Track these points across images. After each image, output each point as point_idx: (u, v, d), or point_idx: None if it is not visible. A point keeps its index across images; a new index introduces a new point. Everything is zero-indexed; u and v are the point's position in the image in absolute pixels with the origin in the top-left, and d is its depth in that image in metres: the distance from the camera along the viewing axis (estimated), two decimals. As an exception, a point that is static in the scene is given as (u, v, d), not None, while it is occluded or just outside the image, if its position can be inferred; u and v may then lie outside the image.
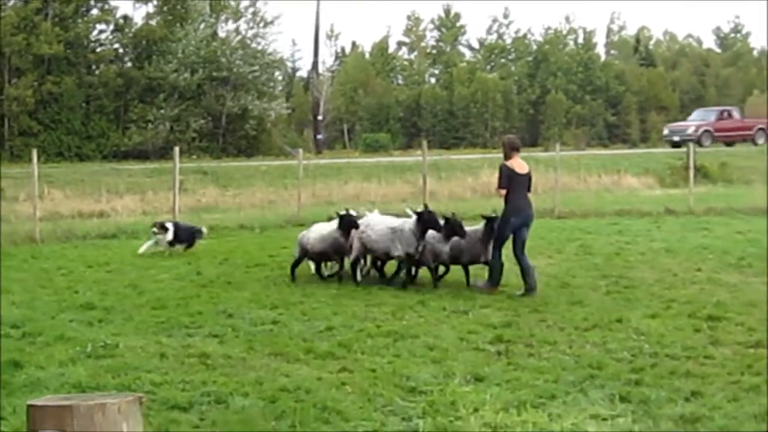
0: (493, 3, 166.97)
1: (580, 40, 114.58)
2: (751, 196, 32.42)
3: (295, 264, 18.16)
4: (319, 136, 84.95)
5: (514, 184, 16.40)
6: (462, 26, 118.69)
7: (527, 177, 16.68)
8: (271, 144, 73.54)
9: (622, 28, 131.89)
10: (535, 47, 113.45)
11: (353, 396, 9.98)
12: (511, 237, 16.46)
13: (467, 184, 42.88)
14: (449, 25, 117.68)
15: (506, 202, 16.45)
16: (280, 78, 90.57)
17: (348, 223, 17.23)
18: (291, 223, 28.46)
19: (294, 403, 9.65)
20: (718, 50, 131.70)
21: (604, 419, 9.13)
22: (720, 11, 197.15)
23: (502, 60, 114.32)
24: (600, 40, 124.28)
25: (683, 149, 43.66)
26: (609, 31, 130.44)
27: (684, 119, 69.50)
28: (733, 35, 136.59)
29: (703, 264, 19.40)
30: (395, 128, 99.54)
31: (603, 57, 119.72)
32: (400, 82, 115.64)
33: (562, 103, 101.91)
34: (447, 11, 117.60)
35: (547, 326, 13.62)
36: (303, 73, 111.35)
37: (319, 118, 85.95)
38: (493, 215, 16.71)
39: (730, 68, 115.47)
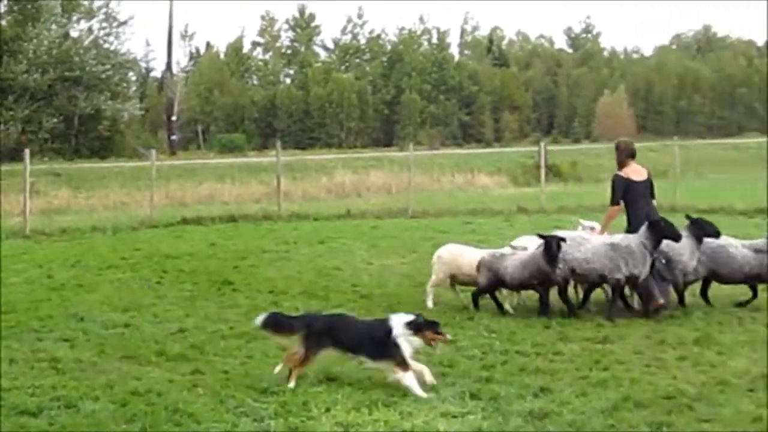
0: (348, 3, 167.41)
1: (434, 41, 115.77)
2: (600, 194, 33.04)
3: (483, 292, 15.01)
4: (174, 137, 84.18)
5: (631, 195, 14.80)
6: (317, 26, 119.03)
7: (648, 183, 14.98)
8: (125, 145, 72.65)
9: (475, 28, 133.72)
10: (389, 47, 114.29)
11: (205, 398, 9.89)
12: None
13: (322, 185, 42.99)
14: (304, 26, 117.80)
15: (628, 215, 14.88)
16: (133, 78, 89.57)
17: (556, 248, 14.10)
18: (144, 225, 28.15)
19: (145, 406, 9.53)
20: (570, 50, 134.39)
21: (455, 417, 9.21)
22: (571, 11, 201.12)
23: (357, 60, 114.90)
24: (454, 40, 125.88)
25: (535, 148, 44.34)
26: (462, 31, 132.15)
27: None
28: (584, 35, 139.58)
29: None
30: (250, 129, 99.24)
31: (457, 57, 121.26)
32: (255, 82, 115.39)
33: (417, 103, 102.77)
34: (301, 11, 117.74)
35: (400, 325, 13.69)
36: (157, 73, 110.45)
37: (173, 118, 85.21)
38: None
39: (581, 68, 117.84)
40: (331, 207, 33.47)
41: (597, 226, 15.49)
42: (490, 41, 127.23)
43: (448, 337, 10.71)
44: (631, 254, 13.87)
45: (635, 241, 13.94)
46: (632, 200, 14.69)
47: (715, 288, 15.22)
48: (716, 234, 14.45)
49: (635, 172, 14.84)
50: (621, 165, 14.94)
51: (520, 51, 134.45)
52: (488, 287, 14.72)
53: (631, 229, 14.43)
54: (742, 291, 15.02)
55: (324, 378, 10.56)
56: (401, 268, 19.33)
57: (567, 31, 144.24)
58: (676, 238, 13.96)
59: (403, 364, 10.01)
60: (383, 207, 32.60)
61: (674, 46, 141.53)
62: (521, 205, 31.59)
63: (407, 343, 10.10)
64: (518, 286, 14.76)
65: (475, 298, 14.92)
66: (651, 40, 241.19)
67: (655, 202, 15.00)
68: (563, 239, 14.15)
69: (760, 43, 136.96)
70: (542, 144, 36.89)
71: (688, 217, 14.73)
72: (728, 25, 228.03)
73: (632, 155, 14.99)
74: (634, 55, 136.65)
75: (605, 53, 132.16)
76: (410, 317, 10.34)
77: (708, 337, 12.39)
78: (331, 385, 10.31)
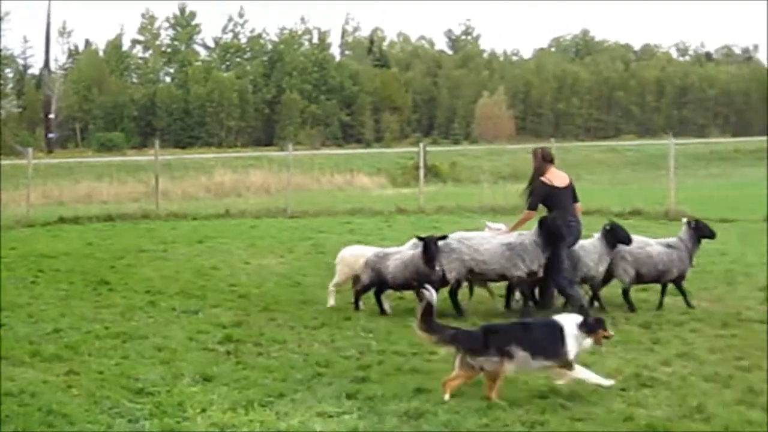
0: (228, 2, 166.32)
1: (315, 41, 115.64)
2: (479, 195, 33.40)
3: (364, 291, 15.04)
4: (51, 135, 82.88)
5: (553, 201, 14.50)
6: (197, 25, 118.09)
7: (567, 189, 14.71)
8: (2, 142, 71.21)
9: (356, 29, 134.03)
10: (270, 47, 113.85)
11: (79, 399, 9.74)
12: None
13: (201, 184, 42.69)
14: (184, 24, 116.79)
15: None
16: (10, 75, 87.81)
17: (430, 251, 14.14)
18: (20, 224, 27.66)
19: (18, 407, 9.34)
20: (450, 52, 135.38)
21: (331, 416, 9.20)
22: (451, 13, 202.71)
23: (238, 59, 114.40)
24: (335, 40, 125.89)
25: (415, 149, 44.54)
26: (343, 31, 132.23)
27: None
28: (464, 37, 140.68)
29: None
30: (130, 127, 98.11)
31: (338, 57, 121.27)
32: (135, 80, 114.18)
33: (297, 103, 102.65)
34: (182, 10, 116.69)
35: (277, 325, 13.65)
36: (35, 70, 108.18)
37: (51, 116, 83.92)
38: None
39: (461, 69, 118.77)
40: (210, 206, 33.25)
41: (504, 227, 15.41)
42: (371, 42, 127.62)
43: (611, 333, 10.59)
44: (526, 251, 14.06)
45: (529, 238, 14.11)
46: (555, 205, 14.43)
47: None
48: (628, 240, 14.61)
49: (557, 177, 14.61)
50: (540, 171, 14.59)
51: (400, 52, 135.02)
52: (370, 286, 14.74)
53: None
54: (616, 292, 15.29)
55: (200, 378, 10.48)
56: (279, 268, 19.28)
57: (447, 32, 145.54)
58: (561, 237, 14.04)
59: (569, 365, 9.97)
60: (262, 207, 32.47)
61: (553, 49, 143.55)
62: (400, 205, 31.71)
63: (576, 343, 10.04)
64: (400, 286, 14.80)
65: (356, 297, 14.91)
66: (530, 42, 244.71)
67: (579, 205, 14.83)
68: (442, 238, 14.31)
69: (637, 47, 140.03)
70: (422, 145, 37.06)
71: (608, 223, 14.87)
72: (606, 29, 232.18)
73: (551, 160, 14.72)
74: (514, 58, 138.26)
75: (485, 55, 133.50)
76: (580, 318, 10.28)
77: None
78: (207, 385, 10.24)
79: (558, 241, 14.07)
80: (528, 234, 14.28)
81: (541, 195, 14.48)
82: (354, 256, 15.48)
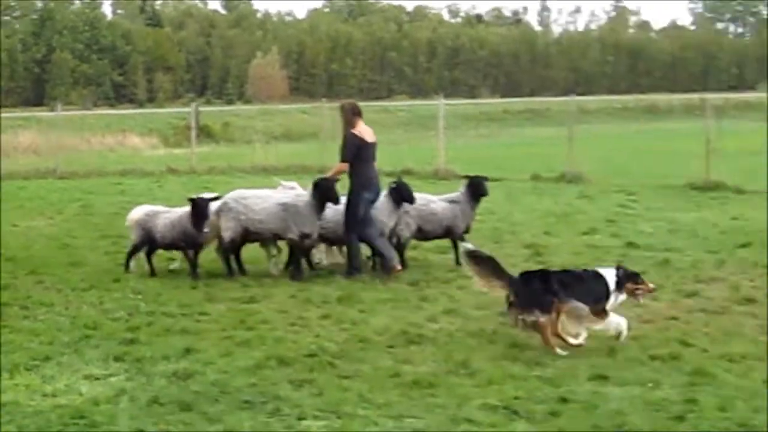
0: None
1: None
2: (251, 155, 33.32)
3: (134, 251, 14.77)
4: None
5: (362, 155, 14.28)
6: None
7: (374, 145, 14.61)
8: None
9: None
10: (40, 5, 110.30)
11: None
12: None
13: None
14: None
15: (354, 175, 14.32)
16: None
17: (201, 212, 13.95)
18: None
19: None
20: (224, 12, 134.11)
21: (98, 379, 9.07)
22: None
23: (6, 18, 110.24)
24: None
25: (188, 109, 43.99)
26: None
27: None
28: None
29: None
30: None
31: (110, 16, 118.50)
32: None
33: (68, 62, 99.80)
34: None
35: (44, 288, 13.37)
36: None
37: None
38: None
39: (235, 30, 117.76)
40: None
41: (297, 186, 15.46)
42: (143, 1, 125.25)
43: (651, 285, 10.55)
44: (299, 214, 13.95)
45: (304, 200, 14.04)
46: (361, 161, 14.26)
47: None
48: (411, 199, 14.64)
49: (366, 132, 14.44)
50: (350, 124, 14.35)
51: (173, 11, 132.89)
52: (141, 246, 14.51)
53: (357, 188, 14.23)
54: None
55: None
56: (48, 230, 18.85)
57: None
58: (334, 201, 14.11)
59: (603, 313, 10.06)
60: (31, 168, 31.61)
61: (327, 10, 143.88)
62: (172, 166, 31.39)
63: (614, 295, 10.14)
64: (169, 246, 14.58)
65: (128, 258, 14.67)
66: (304, 3, 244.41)
67: (375, 164, 14.68)
68: (213, 199, 14.19)
69: (410, 8, 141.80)
70: (194, 105, 36.72)
71: (394, 181, 14.83)
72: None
73: (359, 114, 14.48)
74: (287, 18, 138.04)
75: (258, 15, 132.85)
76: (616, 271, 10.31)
77: (351, 295, 12.68)
78: (-32, 351, 9.93)
79: (331, 204, 14.15)
80: (304, 195, 14.26)
81: (354, 147, 14.24)
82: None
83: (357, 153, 14.24)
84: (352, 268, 14.21)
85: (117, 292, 13.01)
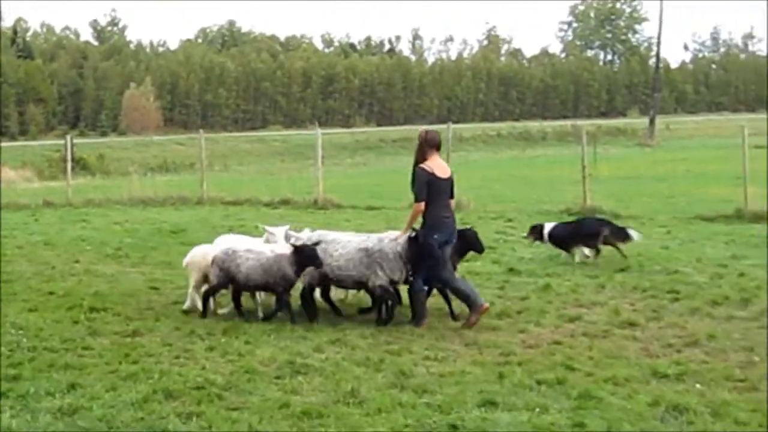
0: None
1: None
2: (128, 187, 32.91)
3: (214, 292, 13.77)
4: None
5: (433, 192, 12.88)
6: None
7: (448, 181, 13.16)
8: None
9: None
10: None
11: None
12: None
13: None
14: None
15: (424, 215, 12.96)
16: None
17: (308, 258, 12.95)
18: None
19: None
20: (96, 43, 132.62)
21: (-18, 417, 8.87)
22: (96, 5, 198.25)
23: None
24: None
25: (62, 141, 43.34)
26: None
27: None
28: (110, 28, 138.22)
29: (81, 255, 19.47)
30: None
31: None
32: None
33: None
34: None
35: None
36: None
37: None
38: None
39: (108, 61, 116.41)
40: None
41: (285, 230, 14.34)
42: (14, 32, 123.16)
43: None
44: (386, 259, 12.83)
45: (390, 246, 12.91)
46: (431, 199, 12.86)
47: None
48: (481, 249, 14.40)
49: (438, 167, 13.02)
50: (423, 157, 13.01)
51: (44, 43, 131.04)
52: (220, 288, 13.66)
53: (427, 229, 12.85)
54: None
55: None
56: None
57: (93, 23, 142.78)
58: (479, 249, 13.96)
59: None
60: None
61: (200, 40, 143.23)
62: (47, 199, 30.84)
63: None
64: (255, 288, 13.59)
65: (204, 300, 13.71)
66: (177, 34, 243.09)
67: (453, 202, 13.35)
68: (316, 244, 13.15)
69: (283, 38, 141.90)
70: (68, 137, 36.09)
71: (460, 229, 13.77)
72: (251, 21, 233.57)
73: (437, 147, 13.13)
74: (161, 49, 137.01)
75: (131, 46, 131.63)
76: None
77: (236, 327, 12.60)
78: None
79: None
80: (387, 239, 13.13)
81: (423, 184, 12.84)
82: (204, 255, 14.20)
83: (428, 190, 12.87)
84: (419, 317, 12.84)
85: (-7, 328, 12.70)
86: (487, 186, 33.53)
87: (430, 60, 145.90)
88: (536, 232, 18.21)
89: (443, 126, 32.70)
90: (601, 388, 9.59)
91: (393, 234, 13.55)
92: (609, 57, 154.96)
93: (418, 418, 8.73)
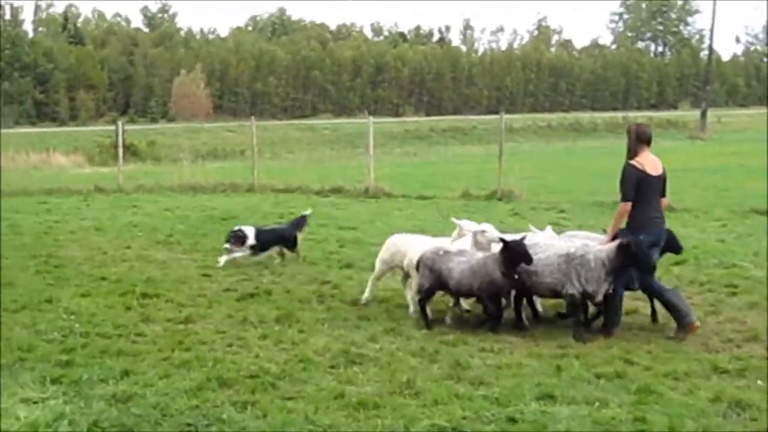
0: None
1: (8, 17, 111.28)
2: (178, 173, 32.97)
3: (426, 298, 12.44)
4: None
5: (642, 190, 11.93)
6: None
7: (661, 179, 12.16)
8: None
9: (50, 5, 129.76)
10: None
11: None
12: None
13: None
14: None
15: (630, 213, 11.99)
16: None
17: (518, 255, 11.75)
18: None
19: None
20: (147, 30, 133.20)
21: (35, 402, 8.82)
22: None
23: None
24: (27, 17, 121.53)
25: (112, 127, 43.59)
26: (37, 7, 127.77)
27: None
28: (160, 15, 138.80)
29: (132, 241, 19.48)
30: None
31: (31, 34, 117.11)
32: None
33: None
34: None
35: (-29, 312, 12.99)
36: None
37: None
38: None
39: (158, 48, 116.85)
40: None
41: (483, 228, 12.85)
42: (65, 18, 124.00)
43: None
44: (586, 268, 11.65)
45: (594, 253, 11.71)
46: (640, 197, 11.92)
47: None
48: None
49: (650, 163, 12.05)
50: (633, 153, 12.06)
51: (95, 29, 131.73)
52: (431, 291, 12.42)
53: (632, 230, 11.89)
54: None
55: None
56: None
57: (144, 10, 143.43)
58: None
59: None
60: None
61: (250, 28, 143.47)
62: (99, 184, 30.93)
63: None
64: (466, 294, 12.52)
65: (422, 307, 12.44)
66: (227, 21, 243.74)
67: (666, 200, 12.41)
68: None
69: (333, 27, 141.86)
70: (119, 123, 36.23)
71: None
72: (302, 9, 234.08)
73: (647, 142, 12.16)
74: (210, 36, 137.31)
75: (182, 33, 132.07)
76: None
77: (289, 315, 12.51)
78: None
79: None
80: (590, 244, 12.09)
81: (633, 182, 11.86)
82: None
83: (637, 188, 11.92)
84: (610, 325, 11.89)
85: (50, 313, 12.67)
86: (540, 176, 33.24)
87: (480, 50, 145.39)
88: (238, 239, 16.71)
89: (496, 116, 32.55)
90: (660, 383, 9.42)
91: (591, 236, 12.90)
92: (660, 49, 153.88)
93: (476, 411, 8.59)
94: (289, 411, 8.63)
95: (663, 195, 12.16)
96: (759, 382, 9.54)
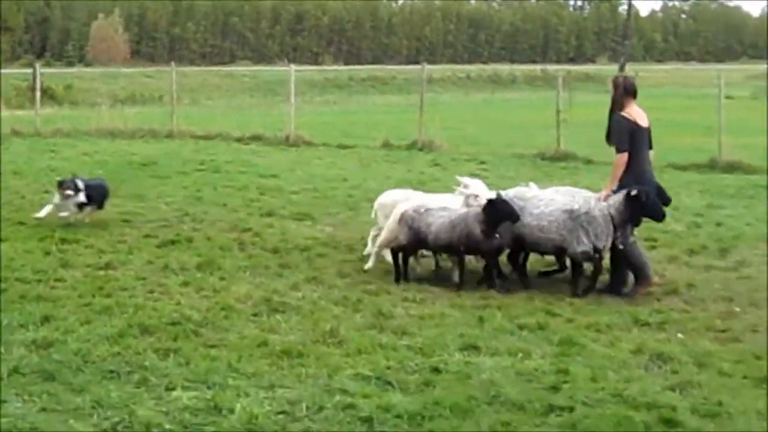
0: None
1: None
2: (96, 118, 32.48)
3: (406, 255, 12.10)
4: None
5: (635, 143, 11.71)
6: None
7: (648, 130, 11.98)
8: None
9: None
10: None
11: None
12: None
13: None
14: None
15: (627, 168, 11.70)
16: None
17: (501, 213, 11.36)
18: None
19: None
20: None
21: (-47, 348, 8.66)
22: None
23: None
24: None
25: (28, 70, 42.80)
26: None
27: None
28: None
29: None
30: None
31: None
32: None
33: None
34: None
35: None
36: None
37: None
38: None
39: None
40: None
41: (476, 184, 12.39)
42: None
43: None
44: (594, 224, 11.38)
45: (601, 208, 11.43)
46: (633, 149, 11.71)
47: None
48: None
49: (639, 115, 11.85)
50: (620, 105, 11.85)
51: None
52: (411, 248, 12.11)
53: (628, 182, 11.54)
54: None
55: None
56: None
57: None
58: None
59: None
60: None
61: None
62: (15, 128, 30.36)
63: None
64: (443, 249, 12.06)
65: (396, 263, 12.11)
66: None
67: (652, 153, 12.13)
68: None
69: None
70: (37, 66, 35.55)
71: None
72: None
73: (634, 94, 11.95)
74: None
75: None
76: None
77: (210, 262, 12.43)
78: None
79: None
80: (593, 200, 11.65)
81: (627, 133, 11.69)
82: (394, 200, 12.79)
83: (630, 140, 11.74)
84: (639, 278, 11.62)
85: (-35, 258, 12.44)
86: (459, 128, 33.22)
87: (400, 0, 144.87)
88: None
89: (416, 66, 32.49)
90: (582, 335, 9.48)
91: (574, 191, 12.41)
92: (579, 3, 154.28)
93: (400, 360, 8.57)
94: (213, 359, 8.54)
95: (650, 147, 11.98)
96: (679, 335, 9.64)
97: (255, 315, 10.09)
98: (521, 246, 11.91)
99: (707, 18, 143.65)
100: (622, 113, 11.78)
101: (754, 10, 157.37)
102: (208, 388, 7.86)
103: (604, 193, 11.66)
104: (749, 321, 10.24)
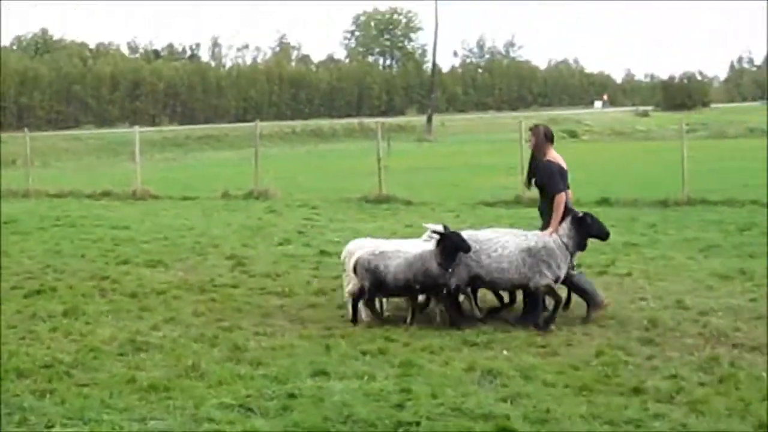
0: None
1: None
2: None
3: (370, 299, 11.44)
4: None
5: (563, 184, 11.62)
6: None
7: (567, 173, 11.82)
8: None
9: None
10: None
11: None
12: None
13: None
14: None
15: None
16: None
17: (455, 243, 10.98)
18: None
19: None
20: None
21: None
22: None
23: None
24: None
25: None
26: None
27: None
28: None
29: None
30: None
31: None
32: None
33: None
34: None
35: None
36: None
37: None
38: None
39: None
40: None
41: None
42: None
43: None
44: (552, 256, 11.12)
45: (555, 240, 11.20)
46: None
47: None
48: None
49: (559, 159, 11.77)
50: (542, 151, 11.72)
51: None
52: (372, 292, 11.42)
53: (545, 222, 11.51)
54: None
55: None
56: None
57: None
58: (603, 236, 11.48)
59: None
60: None
61: (15, 47, 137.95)
62: None
63: None
64: (401, 290, 11.39)
65: (354, 307, 11.51)
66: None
67: (570, 192, 11.86)
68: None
69: (92, 45, 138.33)
70: None
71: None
72: (63, 28, 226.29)
73: (552, 140, 11.83)
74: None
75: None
76: None
77: (75, 308, 12.09)
78: None
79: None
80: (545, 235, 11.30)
81: (558, 175, 11.55)
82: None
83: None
84: (591, 308, 11.37)
85: None
86: (290, 177, 33.19)
87: (228, 65, 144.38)
88: None
89: (247, 124, 32.40)
90: (419, 357, 9.57)
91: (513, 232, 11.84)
92: (388, 62, 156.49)
93: (258, 389, 8.54)
94: (86, 397, 8.37)
95: (568, 186, 11.71)
96: (505, 352, 9.83)
97: (121, 354, 9.89)
98: (475, 285, 11.56)
99: (501, 72, 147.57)
100: (548, 158, 11.67)
101: (541, 63, 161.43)
102: (85, 423, 7.72)
103: (548, 231, 11.31)
104: (564, 336, 10.51)
